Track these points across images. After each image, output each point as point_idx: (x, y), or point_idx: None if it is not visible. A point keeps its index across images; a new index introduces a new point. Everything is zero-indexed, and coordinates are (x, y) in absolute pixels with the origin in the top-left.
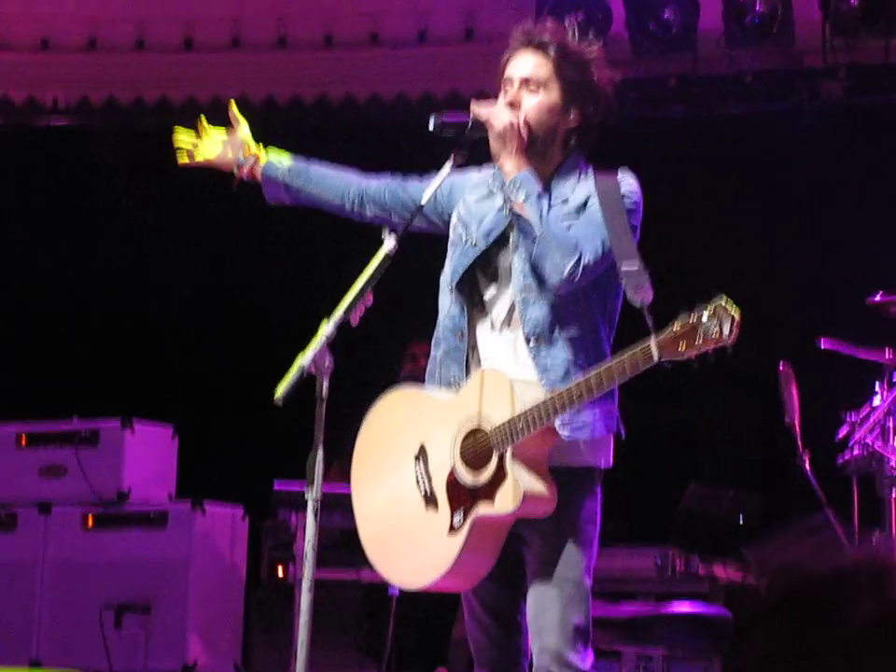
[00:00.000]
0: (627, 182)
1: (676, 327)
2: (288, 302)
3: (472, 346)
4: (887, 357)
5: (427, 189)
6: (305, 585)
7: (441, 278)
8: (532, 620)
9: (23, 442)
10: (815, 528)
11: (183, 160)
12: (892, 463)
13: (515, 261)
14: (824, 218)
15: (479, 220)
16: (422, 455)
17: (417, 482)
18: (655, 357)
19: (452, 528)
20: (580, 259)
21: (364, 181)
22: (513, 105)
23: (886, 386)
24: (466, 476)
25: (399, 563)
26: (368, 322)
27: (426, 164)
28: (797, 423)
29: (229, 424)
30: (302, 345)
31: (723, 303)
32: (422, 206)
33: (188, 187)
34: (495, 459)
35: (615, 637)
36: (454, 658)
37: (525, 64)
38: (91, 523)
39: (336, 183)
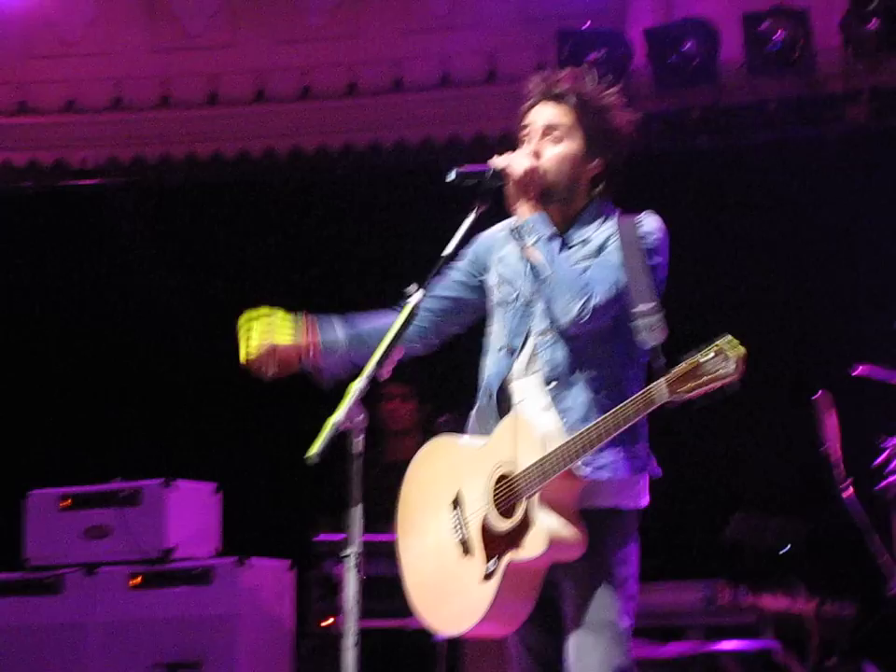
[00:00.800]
0: (646, 222)
1: (682, 366)
2: None
3: (507, 392)
4: None
5: (451, 242)
6: (350, 641)
7: (490, 339)
8: (573, 665)
9: (67, 505)
10: None
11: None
12: None
13: (535, 304)
14: (853, 243)
15: (523, 273)
16: (458, 502)
17: (455, 528)
18: (665, 396)
19: (486, 575)
20: (588, 300)
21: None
22: (536, 154)
23: None
24: (497, 522)
25: (440, 610)
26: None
27: (452, 209)
28: (837, 450)
29: (272, 480)
30: (336, 402)
31: (727, 342)
32: (448, 257)
33: (218, 242)
34: (523, 504)
35: None
36: None
37: (546, 114)
38: (136, 581)
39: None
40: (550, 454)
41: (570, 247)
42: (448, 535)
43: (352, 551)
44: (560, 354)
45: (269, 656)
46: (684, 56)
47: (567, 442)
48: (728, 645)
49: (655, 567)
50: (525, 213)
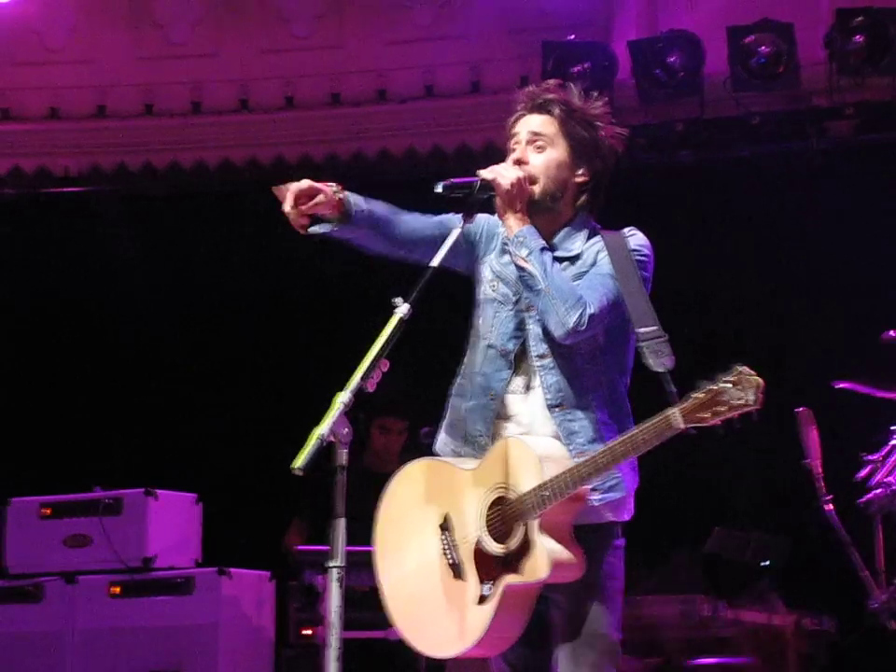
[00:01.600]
0: (635, 238)
1: (699, 395)
2: (310, 371)
3: (501, 404)
4: None
5: (437, 255)
6: (332, 654)
7: (476, 332)
8: None
9: (47, 513)
10: None
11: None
12: None
13: (530, 324)
14: (836, 257)
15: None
16: (447, 525)
17: (444, 552)
18: (680, 426)
19: (481, 598)
20: (584, 310)
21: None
22: (520, 162)
23: None
24: (492, 546)
25: (429, 633)
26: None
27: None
28: (818, 465)
29: (252, 491)
30: (322, 412)
31: (746, 372)
32: (434, 268)
33: (202, 251)
34: (521, 528)
35: None
36: None
37: (531, 123)
38: (117, 591)
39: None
40: (554, 478)
41: (558, 261)
42: (436, 558)
43: (335, 563)
44: (561, 377)
45: (249, 666)
46: (668, 69)
47: (573, 468)
48: (708, 660)
49: (635, 581)
50: (513, 226)
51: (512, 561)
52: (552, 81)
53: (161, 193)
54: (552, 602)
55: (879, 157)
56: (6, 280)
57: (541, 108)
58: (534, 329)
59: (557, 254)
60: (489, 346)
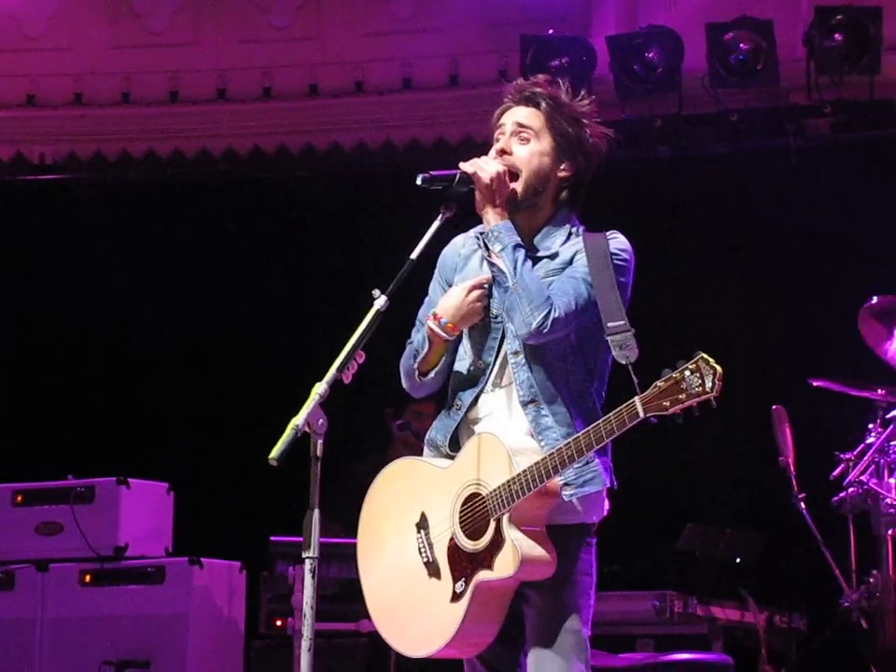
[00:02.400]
0: (617, 241)
1: (660, 383)
2: (284, 361)
3: (468, 408)
4: (879, 394)
5: (417, 246)
6: (305, 644)
7: (459, 351)
8: None
9: (19, 500)
10: None
11: None
12: (887, 501)
13: (507, 321)
14: (813, 255)
15: (490, 290)
16: (423, 523)
17: (420, 550)
18: (641, 415)
19: (455, 595)
20: (549, 312)
21: None
22: (504, 151)
23: (879, 424)
24: (465, 542)
25: (406, 632)
26: (361, 379)
27: (413, 211)
28: (791, 463)
29: (224, 482)
30: (298, 404)
31: (704, 360)
32: (414, 261)
33: (178, 241)
34: (493, 524)
35: None
36: None
37: (518, 115)
38: (88, 579)
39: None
40: (521, 473)
41: (537, 259)
42: (413, 556)
43: (309, 555)
44: (534, 374)
45: (219, 656)
46: (647, 65)
47: (539, 462)
48: (681, 655)
49: (607, 577)
50: (491, 220)
51: (485, 557)
52: (541, 76)
53: (138, 181)
54: (524, 597)
55: (857, 155)
56: None
57: (529, 101)
58: (510, 327)
59: (537, 253)
60: (470, 362)
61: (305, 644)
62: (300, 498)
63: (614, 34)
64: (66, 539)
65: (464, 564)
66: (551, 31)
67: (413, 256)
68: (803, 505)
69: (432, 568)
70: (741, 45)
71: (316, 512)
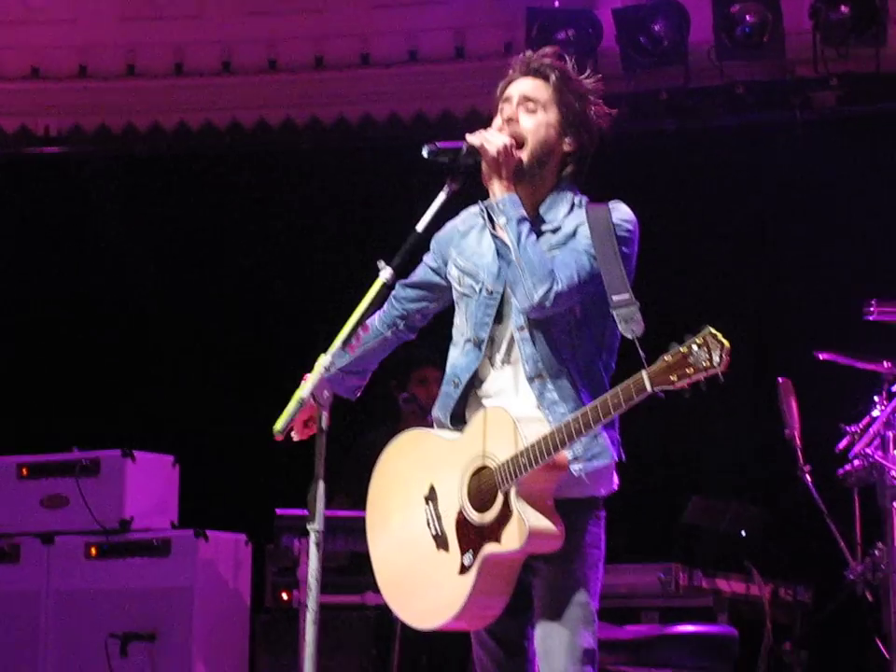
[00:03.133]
0: (620, 210)
1: (667, 357)
2: (289, 334)
3: (474, 385)
4: (885, 367)
5: (423, 218)
6: (310, 617)
7: (455, 330)
8: (540, 643)
9: (24, 473)
10: None
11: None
12: (893, 473)
13: (512, 297)
14: (819, 228)
15: (485, 265)
16: (432, 496)
17: (428, 523)
18: (648, 389)
19: (462, 568)
20: (551, 286)
21: (386, 313)
22: (510, 120)
23: (885, 397)
24: (473, 515)
25: (414, 604)
26: None
27: (419, 183)
28: (797, 436)
29: (229, 454)
30: (302, 376)
31: (712, 333)
32: (420, 233)
33: (183, 213)
34: (500, 497)
35: (620, 659)
36: None
37: (524, 86)
38: (93, 552)
39: (378, 344)
40: (529, 446)
41: (540, 233)
42: (421, 529)
43: (315, 527)
44: (539, 349)
45: (225, 629)
46: (653, 37)
47: (547, 436)
48: (687, 627)
49: (612, 549)
50: (497, 192)
51: (493, 530)
52: (548, 49)
53: (142, 154)
54: (532, 569)
55: (863, 128)
56: None
57: (537, 73)
58: (515, 302)
59: (541, 226)
60: (467, 341)
61: (310, 616)
62: (305, 471)
63: (620, 6)
64: (72, 512)
65: (472, 536)
66: (557, 3)
67: (419, 228)
68: (808, 477)
69: (440, 541)
70: (747, 17)
71: (321, 484)
